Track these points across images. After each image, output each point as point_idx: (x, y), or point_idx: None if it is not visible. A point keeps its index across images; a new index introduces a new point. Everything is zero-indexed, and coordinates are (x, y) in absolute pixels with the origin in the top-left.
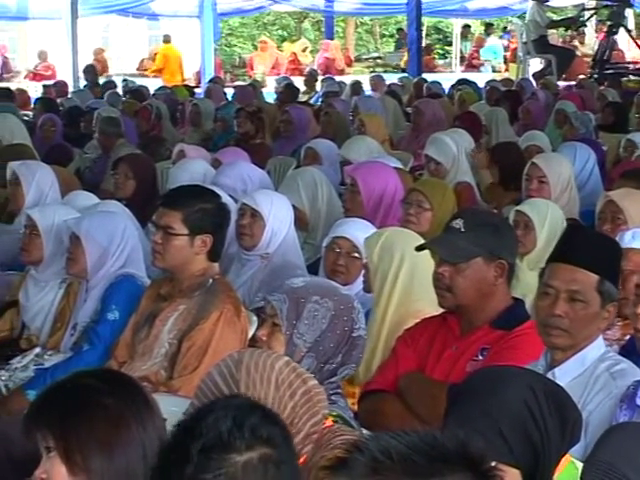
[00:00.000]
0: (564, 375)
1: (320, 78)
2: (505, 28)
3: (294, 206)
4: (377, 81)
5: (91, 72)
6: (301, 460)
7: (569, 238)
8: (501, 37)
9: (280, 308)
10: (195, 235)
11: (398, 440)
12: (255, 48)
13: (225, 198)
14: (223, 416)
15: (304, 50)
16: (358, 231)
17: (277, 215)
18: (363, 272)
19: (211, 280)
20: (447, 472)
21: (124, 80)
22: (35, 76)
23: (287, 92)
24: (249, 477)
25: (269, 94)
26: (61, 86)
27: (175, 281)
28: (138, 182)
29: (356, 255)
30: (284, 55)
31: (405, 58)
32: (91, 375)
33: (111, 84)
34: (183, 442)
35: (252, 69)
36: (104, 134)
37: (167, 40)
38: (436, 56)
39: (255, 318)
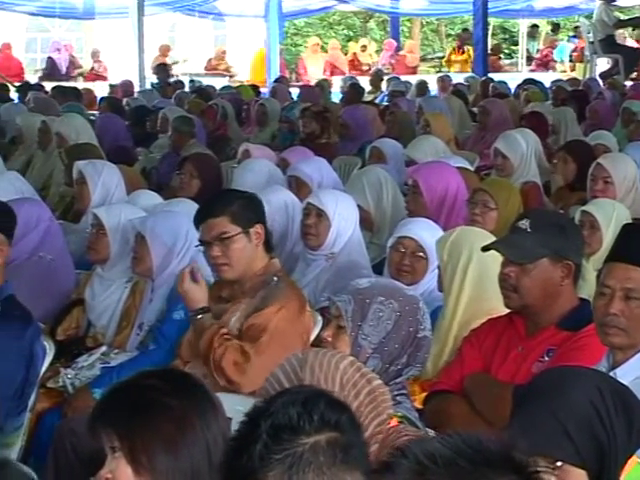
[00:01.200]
0: (625, 375)
1: (386, 78)
2: (577, 27)
3: (359, 206)
4: (444, 81)
5: (162, 71)
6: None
7: (624, 237)
8: (569, 40)
9: (345, 309)
10: (248, 229)
11: (443, 444)
12: (324, 50)
13: (290, 197)
14: (293, 401)
15: (363, 49)
16: (423, 230)
17: (342, 214)
18: (437, 271)
19: (275, 278)
20: (492, 476)
21: (191, 80)
22: (93, 75)
23: (352, 92)
24: (317, 459)
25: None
26: (127, 85)
27: (237, 283)
28: (203, 181)
29: (421, 255)
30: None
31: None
32: (155, 375)
33: (179, 84)
34: (253, 424)
35: (305, 70)
36: (178, 132)
37: None
38: (502, 56)
39: (320, 318)
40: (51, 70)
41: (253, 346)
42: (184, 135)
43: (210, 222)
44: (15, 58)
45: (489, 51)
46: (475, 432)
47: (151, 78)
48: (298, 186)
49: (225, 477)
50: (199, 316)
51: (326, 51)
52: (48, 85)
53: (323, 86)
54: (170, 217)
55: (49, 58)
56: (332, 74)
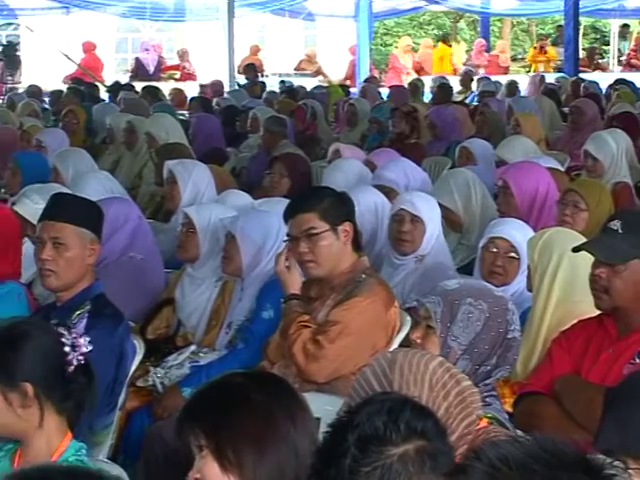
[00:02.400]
0: None
1: (476, 78)
2: None
3: (447, 208)
4: (536, 80)
5: (251, 71)
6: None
7: None
8: None
9: (434, 310)
10: (336, 226)
11: (517, 447)
12: (415, 50)
13: (380, 197)
14: (378, 411)
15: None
16: (515, 231)
17: (432, 218)
18: (526, 272)
19: (363, 276)
20: None
21: (281, 81)
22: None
23: (441, 92)
24: (406, 469)
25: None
26: (217, 86)
27: (324, 281)
28: (293, 181)
29: (514, 255)
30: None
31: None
32: (242, 375)
33: (262, 84)
34: (340, 437)
35: (395, 70)
36: (269, 132)
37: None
38: (598, 57)
39: (409, 319)
40: (138, 70)
41: (326, 334)
42: (276, 135)
43: (299, 217)
44: (99, 58)
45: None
46: (551, 435)
47: (240, 78)
48: (385, 192)
49: None
50: (290, 302)
51: (417, 51)
52: (137, 85)
53: (417, 86)
54: (260, 216)
55: (136, 58)
56: (420, 74)
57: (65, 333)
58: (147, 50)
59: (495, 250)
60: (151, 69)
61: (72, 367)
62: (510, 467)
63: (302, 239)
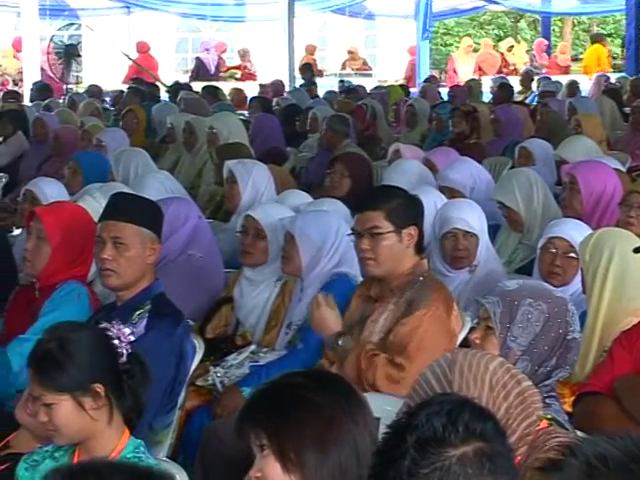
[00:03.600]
0: None
1: (536, 78)
2: None
3: (509, 207)
4: (601, 81)
5: (308, 70)
6: (515, 461)
7: None
8: None
9: (494, 311)
10: (401, 229)
11: (614, 445)
12: (476, 50)
13: (441, 198)
14: (437, 412)
15: (510, 49)
16: (574, 230)
17: (483, 227)
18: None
19: (421, 278)
20: None
21: (340, 81)
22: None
23: (502, 92)
24: (465, 471)
25: (485, 94)
26: (278, 85)
27: (384, 282)
28: (353, 181)
29: (572, 255)
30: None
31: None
32: (302, 374)
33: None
34: (399, 438)
35: (454, 70)
36: (332, 131)
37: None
38: None
39: (468, 319)
40: (199, 70)
41: (404, 355)
42: (338, 134)
43: (366, 214)
44: (153, 58)
45: None
46: None
47: (300, 78)
48: (451, 195)
49: None
50: (339, 341)
51: (477, 51)
52: (196, 85)
53: (472, 86)
54: (319, 216)
55: (197, 58)
56: (480, 74)
57: (109, 326)
58: (207, 50)
59: (554, 250)
60: (212, 69)
61: (124, 357)
62: (607, 466)
63: (365, 236)
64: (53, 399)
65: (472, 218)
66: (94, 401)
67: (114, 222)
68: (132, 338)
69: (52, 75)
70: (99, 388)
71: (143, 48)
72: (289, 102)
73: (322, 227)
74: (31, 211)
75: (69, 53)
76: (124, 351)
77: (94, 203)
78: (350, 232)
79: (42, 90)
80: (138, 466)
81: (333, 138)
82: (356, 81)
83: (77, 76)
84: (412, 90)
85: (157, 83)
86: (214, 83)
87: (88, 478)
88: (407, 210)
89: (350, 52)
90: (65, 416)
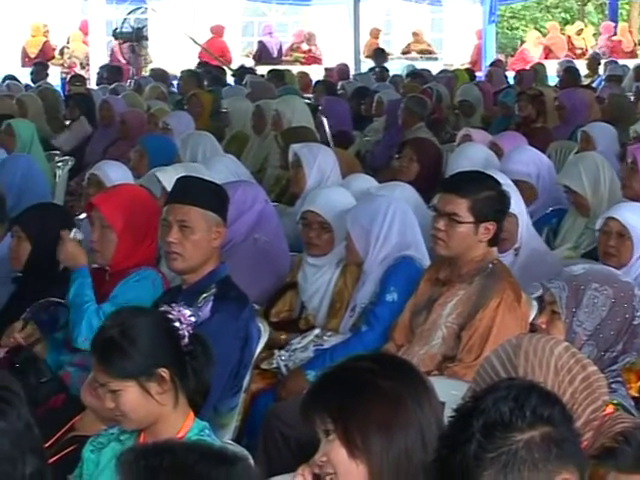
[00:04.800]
0: None
1: (603, 61)
2: None
3: (575, 192)
4: None
5: (381, 55)
6: (582, 446)
7: None
8: None
9: (559, 296)
10: (480, 223)
11: None
12: (543, 34)
13: (506, 182)
14: (504, 397)
15: (579, 33)
16: (629, 212)
17: (522, 208)
18: None
19: (490, 265)
20: None
21: (411, 65)
22: (310, 59)
23: (568, 75)
24: (532, 455)
25: (551, 77)
26: (343, 69)
27: (454, 266)
28: (422, 166)
29: (625, 235)
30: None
31: None
32: (367, 358)
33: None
34: (465, 422)
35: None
36: (409, 111)
37: None
38: None
39: (535, 303)
40: (262, 54)
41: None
42: (415, 116)
43: (451, 197)
44: (222, 41)
45: None
46: None
47: (365, 62)
48: (517, 185)
49: (439, 473)
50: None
51: (545, 34)
52: (261, 69)
53: (538, 70)
54: (368, 201)
55: (260, 42)
56: (547, 57)
57: (169, 309)
58: (270, 34)
59: (608, 230)
60: (274, 52)
61: (186, 339)
62: None
63: (444, 217)
64: (119, 386)
65: (515, 200)
66: (159, 386)
67: (180, 205)
68: (193, 319)
69: (122, 59)
70: (164, 372)
71: (217, 31)
72: (355, 86)
73: (370, 211)
74: (89, 202)
75: (138, 36)
76: (186, 333)
77: (174, 174)
78: (430, 206)
79: (112, 73)
80: (212, 446)
81: (409, 118)
82: (421, 65)
83: (145, 58)
84: (478, 74)
85: (224, 67)
86: (279, 67)
87: (162, 457)
88: (492, 205)
89: (415, 34)
90: (132, 402)
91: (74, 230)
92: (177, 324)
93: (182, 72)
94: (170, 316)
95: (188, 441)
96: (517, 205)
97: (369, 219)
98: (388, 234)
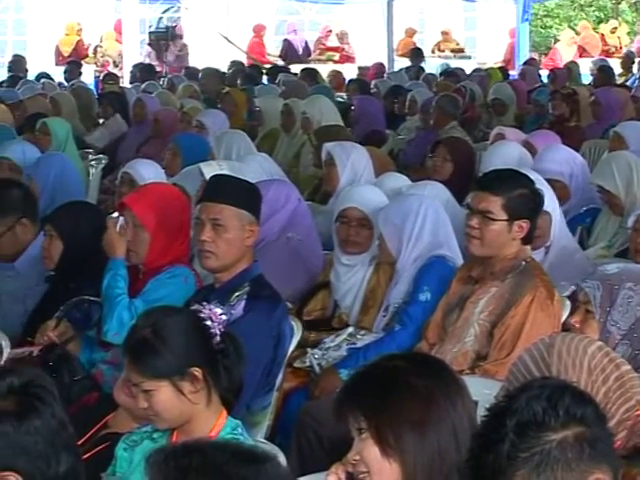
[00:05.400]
0: None
1: (637, 60)
2: None
3: (609, 191)
4: None
5: (418, 56)
6: (615, 446)
7: None
8: None
9: (593, 295)
10: (513, 221)
11: None
12: (575, 32)
13: (539, 180)
14: (537, 396)
15: (613, 31)
16: None
17: (555, 206)
18: None
19: (523, 263)
20: None
21: (445, 64)
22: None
23: (602, 74)
24: (565, 455)
25: (585, 76)
26: (378, 68)
27: (486, 264)
28: (456, 165)
29: None
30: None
31: None
32: (400, 357)
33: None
34: (498, 422)
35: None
36: (441, 110)
37: None
38: None
39: (568, 303)
40: (287, 52)
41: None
42: (447, 115)
43: (484, 195)
44: (258, 41)
45: None
46: None
47: (399, 60)
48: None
49: (471, 472)
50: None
51: (578, 33)
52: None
53: (571, 69)
54: (400, 200)
55: (285, 40)
56: (581, 56)
57: (201, 308)
58: (295, 31)
59: (639, 228)
60: (300, 50)
61: (218, 337)
62: None
63: (477, 215)
64: (152, 386)
65: (547, 198)
66: (192, 385)
67: (213, 204)
68: (224, 318)
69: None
70: (197, 371)
71: (258, 31)
72: (388, 84)
73: (403, 210)
74: (121, 202)
75: (171, 35)
76: (217, 331)
77: (217, 171)
78: (464, 205)
79: (144, 71)
80: (242, 445)
81: (441, 118)
82: (455, 64)
83: (179, 55)
84: (511, 73)
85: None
86: (312, 65)
87: (192, 457)
88: (525, 203)
89: (444, 33)
90: (165, 402)
91: (121, 218)
92: (208, 322)
93: (203, 70)
94: (201, 315)
95: (217, 440)
96: (550, 203)
97: (401, 218)
98: (420, 233)
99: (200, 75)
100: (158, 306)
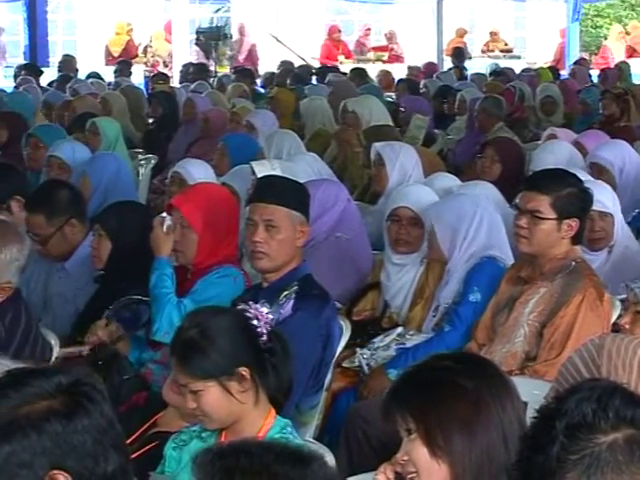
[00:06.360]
0: None
1: None
2: None
3: None
4: None
5: (461, 55)
6: None
7: None
8: None
9: None
10: (563, 219)
11: None
12: (626, 32)
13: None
14: (587, 398)
15: None
16: None
17: (617, 207)
18: None
19: (573, 263)
20: None
21: (494, 64)
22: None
23: None
24: (615, 458)
25: (636, 76)
26: (429, 67)
27: (536, 264)
28: (504, 166)
29: None
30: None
31: None
32: (449, 357)
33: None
34: (548, 423)
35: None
36: (485, 113)
37: None
38: None
39: (619, 304)
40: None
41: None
42: (492, 117)
43: (533, 194)
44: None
45: None
46: None
47: (448, 60)
48: (599, 172)
49: (520, 474)
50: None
51: (628, 33)
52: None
53: (622, 69)
54: (454, 200)
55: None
56: (631, 56)
57: (247, 307)
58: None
59: None
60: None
61: (265, 337)
62: None
63: (526, 214)
64: (199, 386)
65: (606, 198)
66: (240, 384)
67: (265, 205)
68: (270, 317)
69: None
70: (244, 371)
71: (332, 31)
72: (437, 84)
73: (457, 211)
74: (169, 203)
75: (220, 35)
76: (264, 330)
77: (269, 170)
78: (512, 205)
79: (197, 70)
80: (288, 446)
81: (486, 120)
82: (504, 64)
83: (231, 56)
84: (562, 73)
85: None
86: (361, 65)
87: (238, 457)
88: (574, 201)
89: (492, 33)
90: (213, 402)
91: (168, 218)
92: (255, 322)
93: (265, 74)
94: (247, 314)
95: (264, 441)
96: (613, 204)
97: (456, 219)
98: (475, 236)
99: (263, 75)
100: (204, 306)
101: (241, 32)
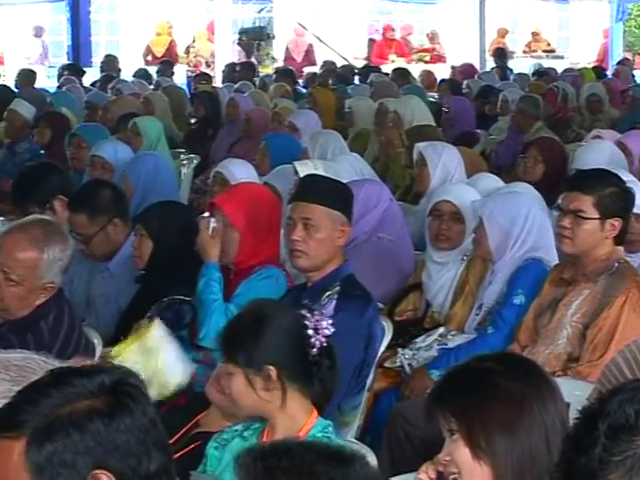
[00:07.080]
0: None
1: None
2: None
3: None
4: None
5: (502, 55)
6: None
7: None
8: None
9: None
10: (606, 219)
11: None
12: None
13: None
14: (630, 399)
15: None
16: None
17: None
18: None
19: (616, 264)
20: None
21: (537, 64)
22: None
23: None
24: None
25: None
26: (470, 68)
27: (579, 265)
28: (547, 166)
29: None
30: None
31: None
32: (492, 358)
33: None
34: (590, 424)
35: None
36: (522, 113)
37: None
38: None
39: None
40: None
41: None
42: (528, 116)
43: (575, 194)
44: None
45: None
46: None
47: (491, 60)
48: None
49: (563, 476)
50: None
51: None
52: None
53: None
54: (509, 200)
55: (370, 40)
56: None
57: (308, 315)
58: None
59: None
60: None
61: (315, 350)
62: None
63: (569, 214)
64: (230, 369)
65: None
66: (265, 383)
67: (305, 204)
68: (328, 332)
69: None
70: (272, 371)
71: (386, 30)
72: (480, 84)
73: (511, 211)
74: (211, 202)
75: (263, 35)
76: (317, 343)
77: (311, 170)
78: (554, 207)
79: (243, 70)
80: (330, 446)
81: (523, 120)
82: (547, 64)
83: (273, 57)
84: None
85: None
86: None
87: (280, 457)
88: (617, 201)
89: (534, 34)
90: (236, 389)
91: (212, 220)
92: (310, 332)
93: (307, 74)
94: (306, 322)
95: (306, 440)
96: None
97: (510, 220)
98: (527, 238)
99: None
100: (270, 300)
101: (297, 32)
